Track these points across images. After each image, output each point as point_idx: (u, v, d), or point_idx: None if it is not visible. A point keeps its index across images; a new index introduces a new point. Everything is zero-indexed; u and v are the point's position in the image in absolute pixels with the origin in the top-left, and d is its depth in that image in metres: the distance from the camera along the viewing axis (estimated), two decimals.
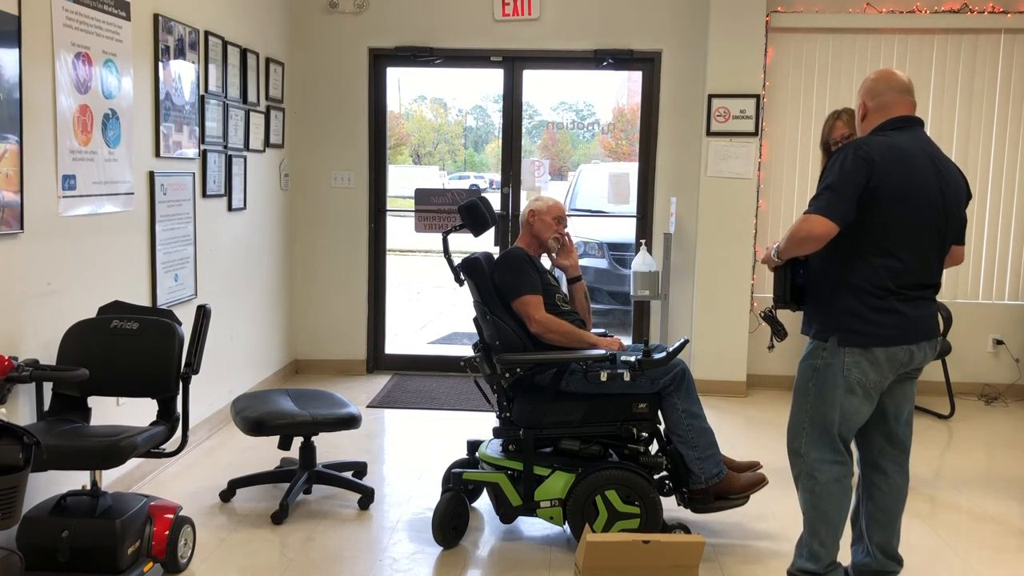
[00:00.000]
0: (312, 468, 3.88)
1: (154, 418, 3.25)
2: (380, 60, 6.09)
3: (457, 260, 3.61)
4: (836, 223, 2.67)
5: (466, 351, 3.92)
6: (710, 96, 5.69)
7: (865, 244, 2.73)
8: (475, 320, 3.62)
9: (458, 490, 3.49)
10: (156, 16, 4.03)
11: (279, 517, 3.62)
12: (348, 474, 4.06)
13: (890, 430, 2.92)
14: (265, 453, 4.38)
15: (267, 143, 5.49)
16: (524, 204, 6.13)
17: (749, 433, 5.02)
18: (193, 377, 3.26)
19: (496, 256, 3.74)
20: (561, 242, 3.80)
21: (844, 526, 2.90)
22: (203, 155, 4.57)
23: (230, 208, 4.95)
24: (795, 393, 2.93)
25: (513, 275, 3.56)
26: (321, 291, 6.18)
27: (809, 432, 2.86)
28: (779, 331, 3.12)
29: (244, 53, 5.05)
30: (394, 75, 6.49)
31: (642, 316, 6.28)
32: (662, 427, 3.48)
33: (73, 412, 3.17)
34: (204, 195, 4.59)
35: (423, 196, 6.22)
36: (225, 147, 4.84)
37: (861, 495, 3.01)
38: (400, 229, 7.01)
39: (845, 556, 3.02)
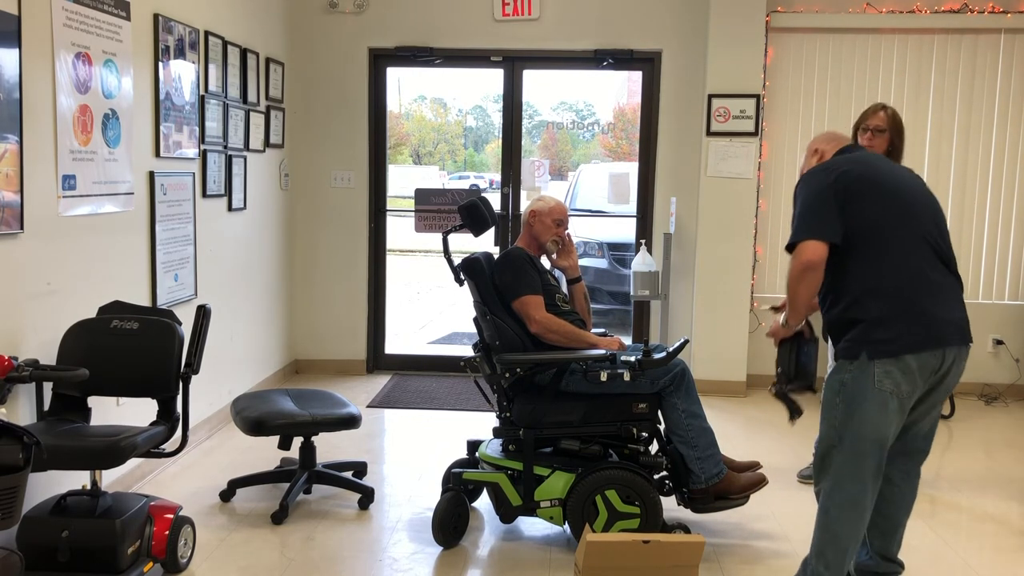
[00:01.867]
0: (312, 468, 3.88)
1: (154, 418, 3.25)
2: (380, 60, 6.09)
3: (457, 260, 3.61)
4: (826, 241, 2.62)
5: (466, 351, 3.92)
6: (710, 96, 5.69)
7: (863, 249, 2.64)
8: (475, 320, 3.62)
9: (458, 490, 3.49)
10: (156, 16, 4.03)
11: (279, 517, 3.62)
12: (348, 474, 4.06)
13: (908, 444, 2.81)
14: (265, 453, 4.38)
15: (267, 143, 5.49)
16: (524, 204, 6.17)
17: (749, 433, 5.02)
18: (193, 377, 3.26)
19: (496, 256, 3.74)
20: (560, 244, 3.79)
21: (854, 552, 2.74)
22: (203, 155, 4.57)
23: (230, 208, 4.95)
24: (823, 408, 2.75)
25: (513, 275, 3.56)
26: (321, 291, 6.18)
27: (839, 449, 2.69)
28: (793, 410, 2.97)
29: (244, 53, 5.05)
30: (394, 75, 6.49)
31: (642, 316, 6.28)
32: (662, 427, 3.48)
33: (73, 412, 3.17)
34: (204, 195, 4.59)
35: (423, 196, 6.22)
36: (225, 147, 4.84)
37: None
38: (400, 229, 7.02)
39: None
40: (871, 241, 2.65)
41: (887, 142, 3.90)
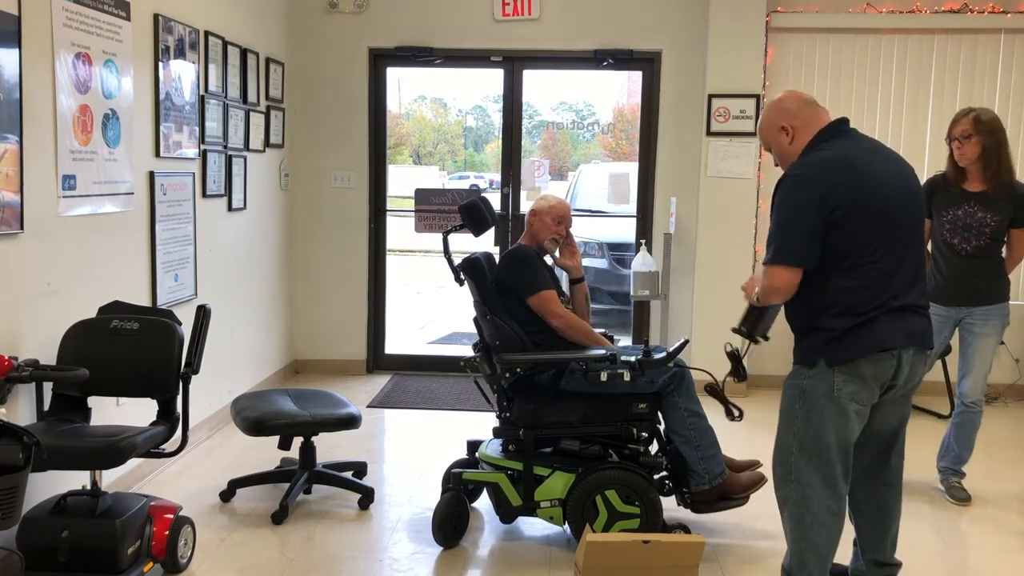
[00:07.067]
0: (312, 468, 3.88)
1: (154, 418, 3.25)
2: (380, 60, 6.09)
3: (457, 260, 3.61)
4: (796, 267, 2.58)
5: (466, 351, 3.92)
6: (710, 96, 5.69)
7: (837, 270, 2.59)
8: (475, 320, 3.62)
9: (458, 490, 3.49)
10: (156, 16, 4.03)
11: (279, 517, 3.62)
12: (348, 474, 4.06)
13: (879, 458, 2.82)
14: (265, 453, 4.38)
15: (267, 143, 5.49)
16: (525, 204, 6.17)
17: (748, 433, 5.02)
18: (193, 377, 3.26)
19: (500, 255, 3.74)
20: (559, 243, 3.79)
21: (834, 555, 2.72)
22: (203, 155, 4.57)
23: (230, 208, 4.95)
24: (781, 415, 2.72)
25: (528, 271, 3.56)
26: (321, 291, 6.18)
27: (798, 456, 2.64)
28: (739, 372, 3.03)
29: (244, 53, 5.05)
30: (394, 75, 6.49)
31: (642, 316, 6.28)
32: (662, 427, 3.48)
33: (73, 412, 3.17)
34: (204, 195, 4.59)
35: (423, 196, 6.22)
36: (225, 147, 4.84)
37: (850, 511, 2.88)
38: (400, 229, 7.02)
39: (844, 556, 3.01)
40: (844, 265, 2.58)
41: (978, 145, 3.82)
